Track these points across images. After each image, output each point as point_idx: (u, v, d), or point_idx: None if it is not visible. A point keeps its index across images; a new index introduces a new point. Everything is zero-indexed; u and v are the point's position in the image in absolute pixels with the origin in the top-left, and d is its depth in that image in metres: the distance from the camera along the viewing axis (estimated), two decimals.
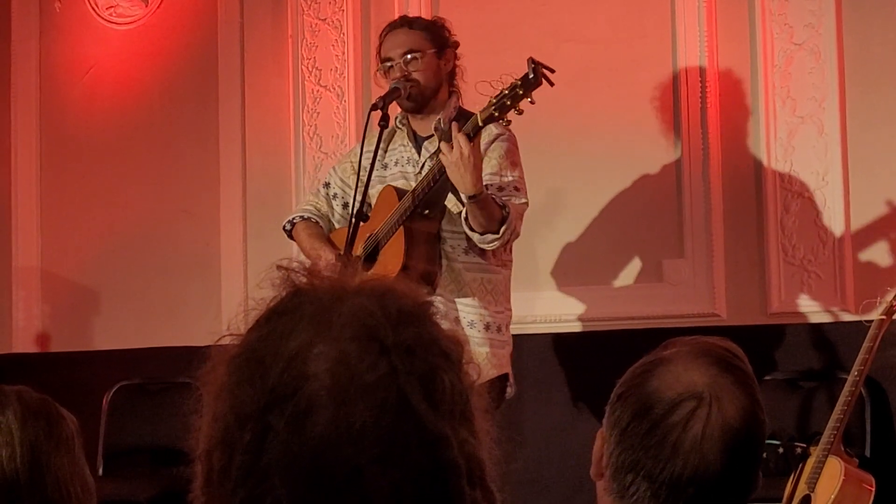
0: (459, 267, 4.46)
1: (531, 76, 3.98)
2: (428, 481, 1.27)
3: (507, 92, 4.02)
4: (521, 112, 4.07)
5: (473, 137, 4.10)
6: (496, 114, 4.04)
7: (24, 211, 6.64)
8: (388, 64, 4.54)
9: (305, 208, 4.89)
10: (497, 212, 4.28)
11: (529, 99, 4.03)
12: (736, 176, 5.64)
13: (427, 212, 4.39)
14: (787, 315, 5.55)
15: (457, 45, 4.64)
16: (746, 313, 5.57)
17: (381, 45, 4.64)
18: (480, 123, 4.09)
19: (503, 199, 4.35)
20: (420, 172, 4.53)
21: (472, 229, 4.31)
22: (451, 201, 4.43)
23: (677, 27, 5.71)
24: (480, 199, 4.18)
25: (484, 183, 4.29)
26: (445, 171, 4.17)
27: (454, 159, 4.09)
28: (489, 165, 4.39)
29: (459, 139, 4.08)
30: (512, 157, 4.43)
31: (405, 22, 4.67)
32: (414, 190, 4.33)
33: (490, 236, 4.30)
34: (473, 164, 4.09)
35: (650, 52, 5.75)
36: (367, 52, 6.12)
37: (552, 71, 4.02)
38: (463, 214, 4.32)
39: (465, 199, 4.22)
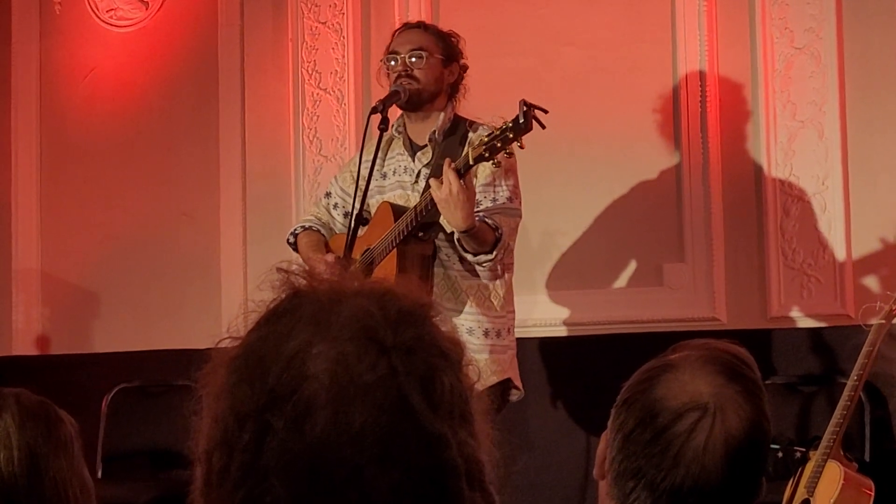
0: (455, 275, 4.45)
1: (521, 121, 3.94)
2: (427, 482, 1.27)
3: (498, 134, 3.99)
4: (510, 154, 4.04)
5: (464, 175, 4.08)
6: (486, 154, 4.01)
7: (24, 213, 6.64)
8: (393, 57, 4.54)
9: (307, 219, 4.90)
10: (490, 236, 4.27)
11: (519, 143, 4.00)
12: (736, 180, 5.63)
13: (421, 234, 4.39)
14: (787, 319, 5.55)
15: (466, 67, 4.62)
16: (746, 317, 5.57)
17: (391, 41, 4.63)
18: (471, 162, 4.06)
19: (495, 217, 4.33)
20: (416, 182, 4.52)
21: (465, 251, 4.30)
22: (444, 219, 4.42)
23: (678, 31, 5.71)
24: (472, 233, 4.18)
25: (476, 196, 4.27)
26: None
27: (444, 196, 4.06)
28: (483, 175, 4.37)
29: (450, 176, 4.05)
30: (507, 165, 4.41)
31: (421, 24, 4.68)
32: (407, 216, 4.32)
33: (483, 257, 4.29)
34: (464, 201, 4.05)
35: (650, 56, 5.75)
36: (367, 56, 6.13)
37: (545, 112, 3.98)
38: (455, 237, 4.30)
39: (456, 233, 4.22)
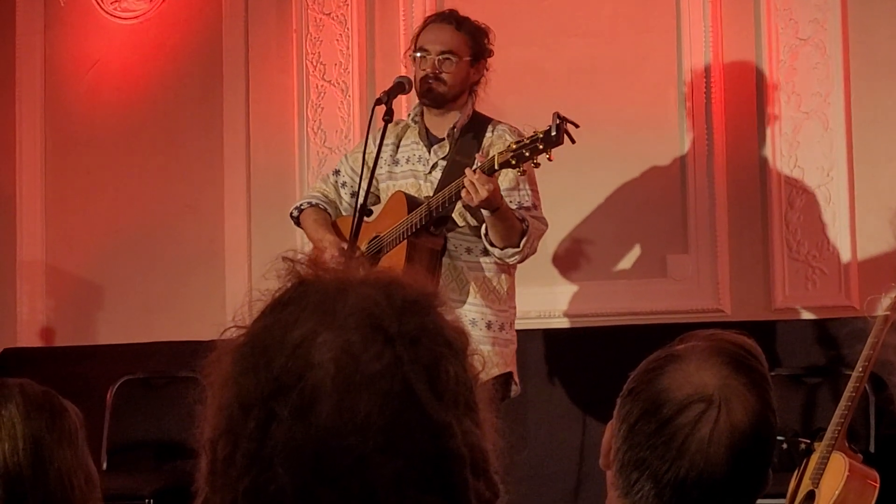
0: (462, 265, 4.47)
1: (553, 133, 4.00)
2: (431, 471, 1.27)
3: (527, 143, 4.05)
4: (537, 165, 4.11)
5: (489, 176, 4.13)
6: (513, 162, 4.07)
7: (28, 205, 6.64)
8: (423, 54, 4.54)
9: (313, 195, 4.90)
10: (517, 224, 4.33)
11: (548, 156, 4.05)
12: (740, 171, 5.63)
13: (433, 228, 4.41)
14: (792, 311, 5.55)
15: (491, 53, 4.63)
16: (751, 309, 5.57)
17: (421, 30, 4.64)
18: (496, 167, 4.12)
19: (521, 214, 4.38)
20: (430, 173, 4.54)
21: (492, 244, 4.33)
22: (457, 212, 4.45)
23: (682, 22, 5.71)
24: (501, 212, 4.23)
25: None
26: (457, 199, 4.23)
27: (478, 203, 4.13)
28: (506, 179, 4.41)
29: (476, 184, 4.09)
30: (529, 171, 4.44)
31: (454, 19, 4.65)
32: (421, 210, 4.34)
33: (510, 251, 4.34)
34: (493, 195, 4.12)
35: (655, 46, 5.75)
36: (371, 47, 6.12)
37: (577, 126, 4.02)
38: (483, 230, 4.34)
39: (486, 215, 4.26)
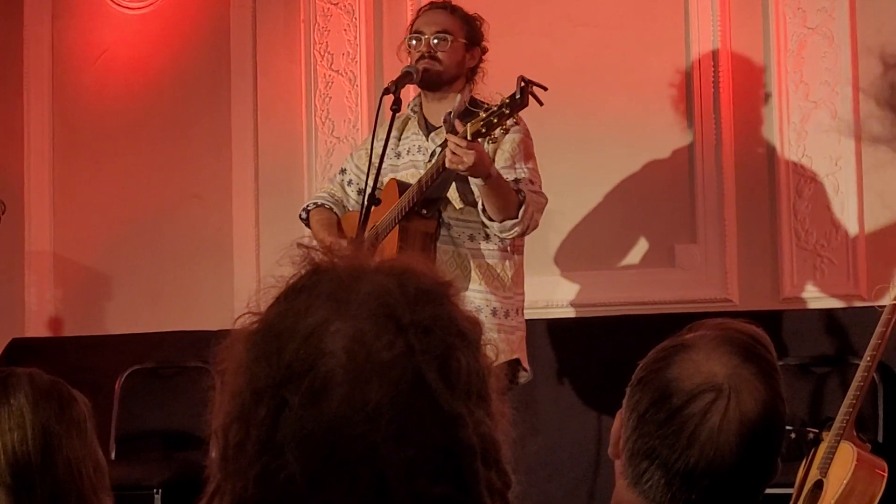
0: (466, 252, 4.47)
1: (518, 97, 3.98)
2: (442, 460, 1.27)
3: (494, 110, 4.04)
4: (507, 130, 4.10)
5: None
6: (483, 130, 4.06)
7: (36, 195, 6.65)
8: (417, 36, 4.54)
9: (320, 195, 4.92)
10: (513, 195, 4.29)
11: (514, 120, 4.06)
12: (749, 161, 5.62)
13: (425, 211, 4.41)
14: (800, 300, 5.55)
15: (486, 50, 4.63)
16: (759, 298, 5.56)
17: (416, 19, 4.65)
18: (469, 138, 4.09)
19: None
20: (429, 161, 4.53)
21: (490, 219, 4.31)
22: (454, 195, 4.43)
23: (690, 11, 5.69)
24: (493, 180, 4.20)
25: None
26: (443, 172, 4.20)
27: (466, 169, 4.09)
28: (501, 158, 4.39)
29: (457, 146, 4.07)
30: (525, 149, 4.43)
31: (448, 6, 4.68)
32: (409, 192, 4.34)
33: (509, 223, 4.30)
34: (480, 160, 4.09)
35: (663, 35, 5.74)
36: (378, 37, 6.12)
37: (545, 88, 4.00)
38: (480, 206, 4.32)
39: (478, 184, 4.22)
